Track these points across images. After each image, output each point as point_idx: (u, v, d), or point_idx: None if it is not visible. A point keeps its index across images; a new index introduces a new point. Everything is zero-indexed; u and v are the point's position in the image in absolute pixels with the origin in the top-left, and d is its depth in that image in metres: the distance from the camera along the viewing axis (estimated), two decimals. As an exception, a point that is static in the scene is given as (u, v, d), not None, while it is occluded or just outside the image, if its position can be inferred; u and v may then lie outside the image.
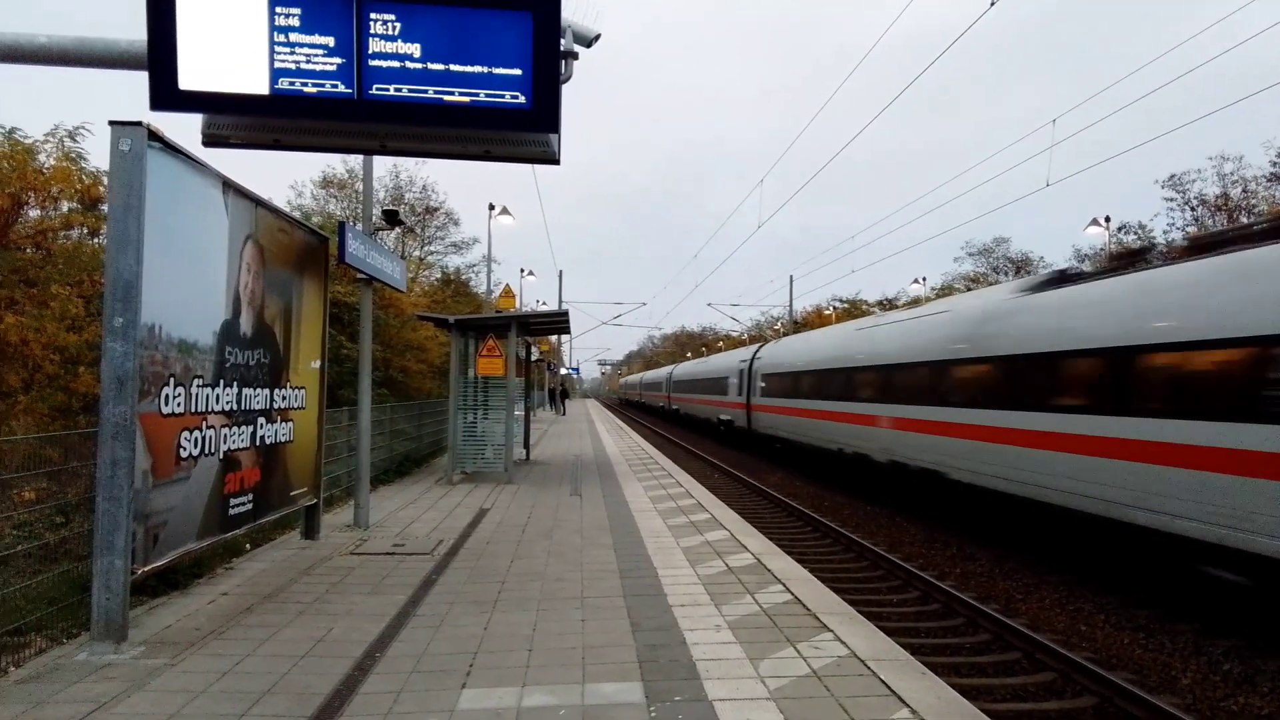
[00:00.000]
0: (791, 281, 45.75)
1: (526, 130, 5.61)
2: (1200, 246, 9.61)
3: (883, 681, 4.87)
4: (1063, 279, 11.98)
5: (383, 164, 29.43)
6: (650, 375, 73.81)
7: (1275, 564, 7.15)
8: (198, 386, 6.29)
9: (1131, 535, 9.01)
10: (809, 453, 20.80)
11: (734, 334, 76.09)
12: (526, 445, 19.54)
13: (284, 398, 7.97)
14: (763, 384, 25.73)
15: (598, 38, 5.83)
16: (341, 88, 5.22)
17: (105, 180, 9.66)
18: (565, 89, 5.53)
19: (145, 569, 5.70)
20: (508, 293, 29.97)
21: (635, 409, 75.14)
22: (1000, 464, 11.53)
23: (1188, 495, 8.10)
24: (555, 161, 5.86)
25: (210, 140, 5.62)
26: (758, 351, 28.55)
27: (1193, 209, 29.72)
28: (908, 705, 4.53)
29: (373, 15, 5.19)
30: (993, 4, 10.37)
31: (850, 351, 18.53)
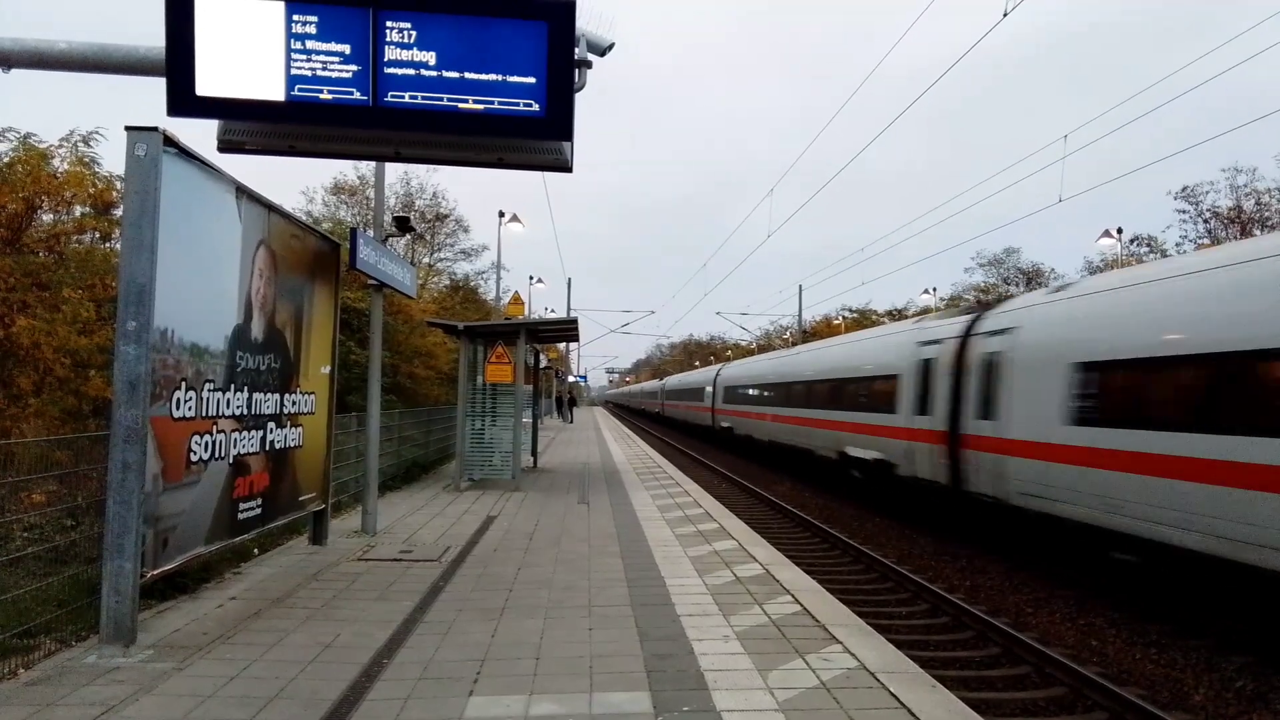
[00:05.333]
0: (800, 291, 45.67)
1: (540, 138, 5.64)
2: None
3: (892, 694, 4.83)
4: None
5: (393, 171, 29.45)
6: (649, 385, 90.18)
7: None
8: (209, 391, 6.31)
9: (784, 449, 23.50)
10: (742, 440, 31.18)
11: (743, 343, 76.04)
12: (534, 453, 19.55)
13: (294, 403, 7.99)
14: (722, 393, 36.36)
15: (611, 46, 5.85)
16: (357, 95, 5.25)
17: (118, 185, 9.75)
18: (581, 97, 5.56)
19: (154, 572, 5.70)
20: (516, 300, 29.98)
21: (634, 414, 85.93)
22: (779, 432, 24.81)
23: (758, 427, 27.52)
24: (568, 169, 5.87)
25: (226, 146, 5.66)
26: (720, 371, 39.77)
27: (1205, 221, 29.62)
28: (917, 718, 4.49)
29: (389, 23, 5.22)
30: (1005, 15, 10.37)
31: (761, 374, 29.25)
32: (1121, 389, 9.49)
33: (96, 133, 10.13)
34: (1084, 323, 10.32)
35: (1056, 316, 10.98)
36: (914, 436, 14.51)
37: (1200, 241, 28.91)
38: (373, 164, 14.47)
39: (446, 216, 33.32)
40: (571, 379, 70.71)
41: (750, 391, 30.17)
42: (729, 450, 33.03)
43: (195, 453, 6.14)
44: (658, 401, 65.29)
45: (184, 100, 5.22)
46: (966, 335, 13.19)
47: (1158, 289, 9.27)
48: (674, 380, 61.80)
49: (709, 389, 39.75)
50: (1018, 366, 11.32)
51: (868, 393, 17.04)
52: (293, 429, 7.99)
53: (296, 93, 5.25)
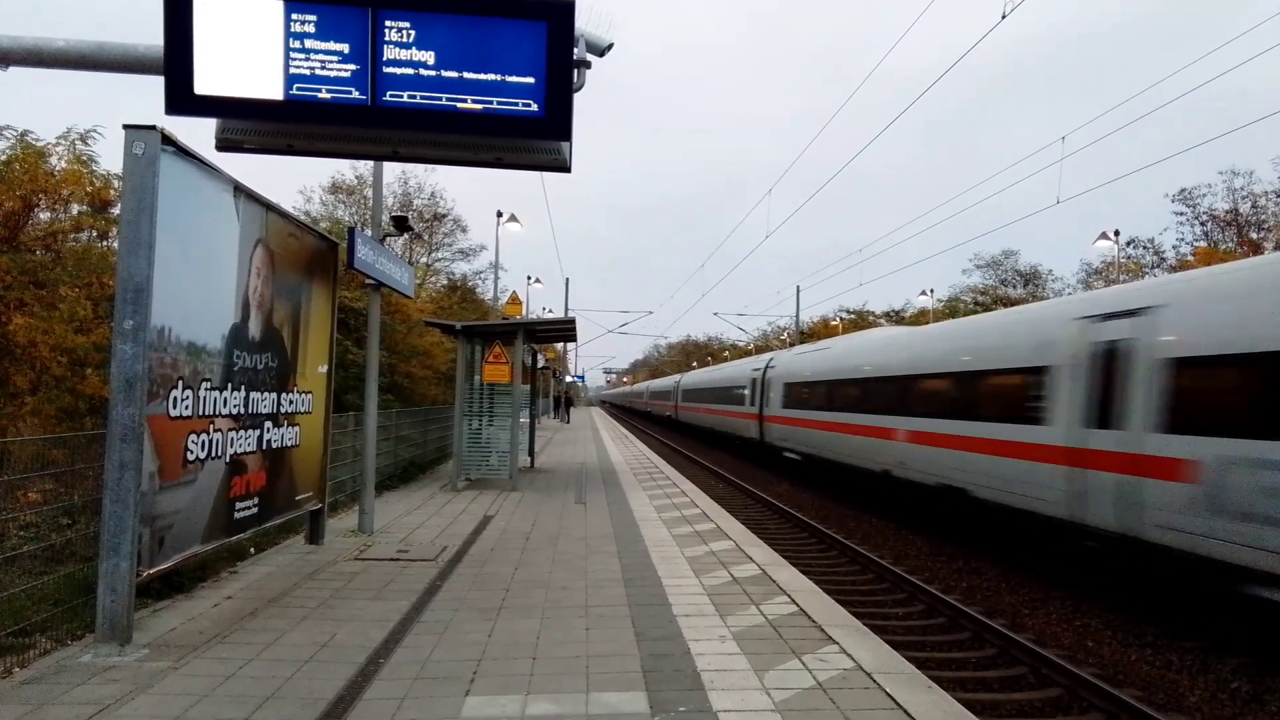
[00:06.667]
0: (798, 292, 45.83)
1: (539, 138, 5.63)
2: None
3: (888, 695, 4.84)
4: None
5: (391, 170, 29.45)
6: (623, 389, 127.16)
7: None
8: (206, 390, 6.30)
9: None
10: (653, 417, 62.19)
11: (740, 344, 76.30)
12: (531, 452, 19.55)
13: (291, 402, 7.98)
14: (648, 395, 61.40)
15: (610, 47, 5.84)
16: (355, 94, 5.24)
17: (116, 183, 9.73)
18: (580, 96, 5.54)
19: (150, 571, 5.70)
20: (514, 300, 29.93)
21: (626, 412, 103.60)
22: (659, 409, 62.59)
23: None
24: (566, 169, 5.87)
25: (224, 145, 5.65)
26: (649, 385, 68.69)
27: (1203, 224, 29.71)
28: (913, 719, 4.50)
29: (388, 23, 5.21)
30: (1004, 16, 10.39)
31: (657, 387, 66.75)
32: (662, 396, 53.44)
33: (94, 131, 10.11)
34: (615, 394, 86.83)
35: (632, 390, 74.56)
36: (673, 409, 41.50)
37: (1197, 245, 29.01)
38: (371, 163, 14.44)
39: (444, 216, 33.29)
40: (569, 379, 70.66)
41: (655, 393, 56.48)
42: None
43: (192, 452, 6.13)
44: (627, 399, 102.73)
45: (182, 99, 5.21)
46: (679, 384, 45.42)
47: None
48: (633, 388, 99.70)
49: (644, 393, 69.49)
50: (681, 390, 44.42)
51: (661, 395, 49.41)
52: (289, 428, 7.99)
53: (295, 92, 5.24)
